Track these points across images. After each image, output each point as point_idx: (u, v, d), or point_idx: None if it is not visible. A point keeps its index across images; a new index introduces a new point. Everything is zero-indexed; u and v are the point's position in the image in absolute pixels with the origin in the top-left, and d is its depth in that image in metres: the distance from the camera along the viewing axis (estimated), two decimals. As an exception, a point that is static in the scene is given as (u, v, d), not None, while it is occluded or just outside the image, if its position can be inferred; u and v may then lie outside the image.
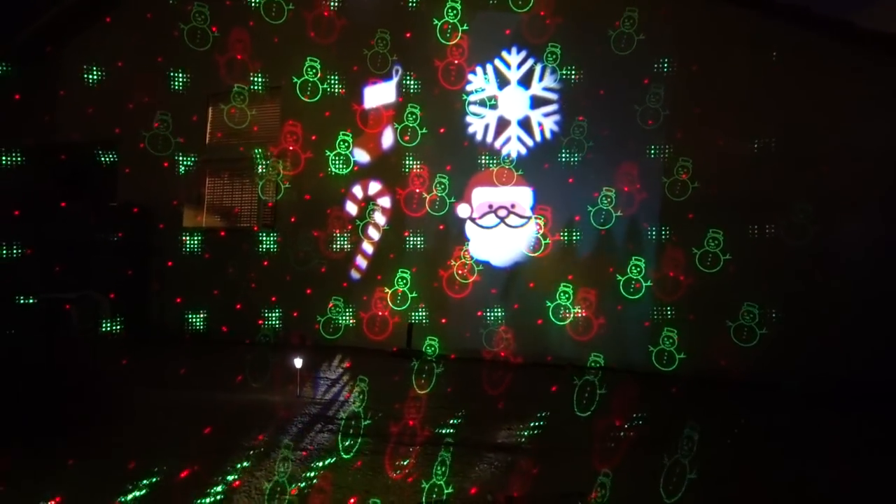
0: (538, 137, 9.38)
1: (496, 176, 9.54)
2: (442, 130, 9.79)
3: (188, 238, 10.66)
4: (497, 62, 9.60)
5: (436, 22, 9.50)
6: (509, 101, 9.56)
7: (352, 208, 10.28)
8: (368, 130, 10.11)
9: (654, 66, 8.61)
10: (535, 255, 9.28)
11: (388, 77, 9.95)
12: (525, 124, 9.47)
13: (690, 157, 8.36)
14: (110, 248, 10.43)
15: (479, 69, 9.67)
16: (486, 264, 9.62)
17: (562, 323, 8.98)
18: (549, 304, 9.06)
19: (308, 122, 10.29)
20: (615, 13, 8.65)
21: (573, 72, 9.18)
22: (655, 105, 8.60)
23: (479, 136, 9.66)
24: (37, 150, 9.88)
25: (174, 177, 10.74)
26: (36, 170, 9.77)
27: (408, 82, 9.88)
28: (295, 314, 10.01)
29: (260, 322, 9.82)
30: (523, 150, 9.44)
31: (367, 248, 10.23)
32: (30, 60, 11.12)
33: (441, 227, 9.77)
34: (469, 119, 9.68)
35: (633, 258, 8.68)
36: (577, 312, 8.93)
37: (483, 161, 9.55)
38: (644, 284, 8.62)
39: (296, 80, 9.84)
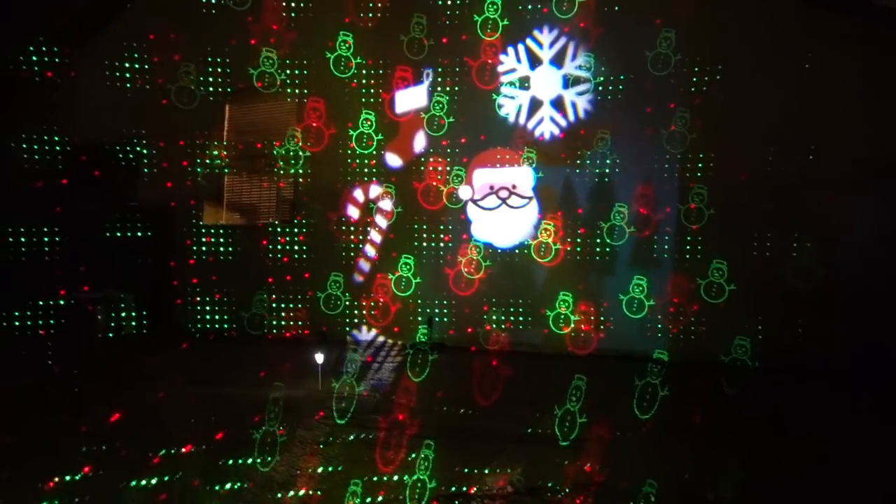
0: (571, 117, 9.26)
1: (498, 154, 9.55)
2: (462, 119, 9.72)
3: (210, 235, 10.76)
4: (529, 42, 9.45)
5: (476, 18, 9.44)
6: (542, 80, 9.42)
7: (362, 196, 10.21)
8: (394, 118, 9.98)
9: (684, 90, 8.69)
10: (533, 241, 9.30)
11: (419, 81, 9.81)
12: (558, 104, 9.36)
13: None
14: (132, 247, 10.50)
15: (510, 49, 9.50)
16: (489, 245, 9.60)
17: (562, 333, 9.09)
18: (549, 312, 9.14)
19: (333, 100, 10.15)
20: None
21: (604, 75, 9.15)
22: (682, 129, 8.63)
23: (511, 118, 9.52)
24: (58, 149, 10.02)
25: (194, 174, 10.83)
26: (57, 169, 9.95)
27: (439, 79, 9.78)
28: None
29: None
30: (556, 130, 9.32)
31: (376, 237, 10.18)
32: (51, 58, 11.21)
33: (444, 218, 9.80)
34: (501, 101, 9.52)
35: (636, 277, 8.76)
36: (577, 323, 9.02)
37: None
38: (647, 304, 8.72)
39: (329, 55, 9.82)
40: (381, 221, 10.10)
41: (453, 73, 9.71)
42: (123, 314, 10.00)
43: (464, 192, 9.71)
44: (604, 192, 9.08)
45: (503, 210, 9.59)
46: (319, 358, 7.00)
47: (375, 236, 10.15)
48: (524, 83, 9.48)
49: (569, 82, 9.27)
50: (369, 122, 9.97)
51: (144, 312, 10.20)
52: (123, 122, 10.73)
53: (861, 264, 7.89)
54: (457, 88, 9.71)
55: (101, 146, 10.83)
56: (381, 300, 9.89)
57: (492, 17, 9.39)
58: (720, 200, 8.46)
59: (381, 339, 9.93)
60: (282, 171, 10.58)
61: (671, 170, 8.79)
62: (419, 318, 9.81)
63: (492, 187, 9.63)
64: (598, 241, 9.09)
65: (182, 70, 9.84)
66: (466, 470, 4.26)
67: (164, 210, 10.89)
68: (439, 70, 9.74)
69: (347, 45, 9.81)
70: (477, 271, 9.55)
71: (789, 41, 8.24)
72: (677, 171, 8.77)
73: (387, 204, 10.03)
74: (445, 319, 9.75)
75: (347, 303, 10.03)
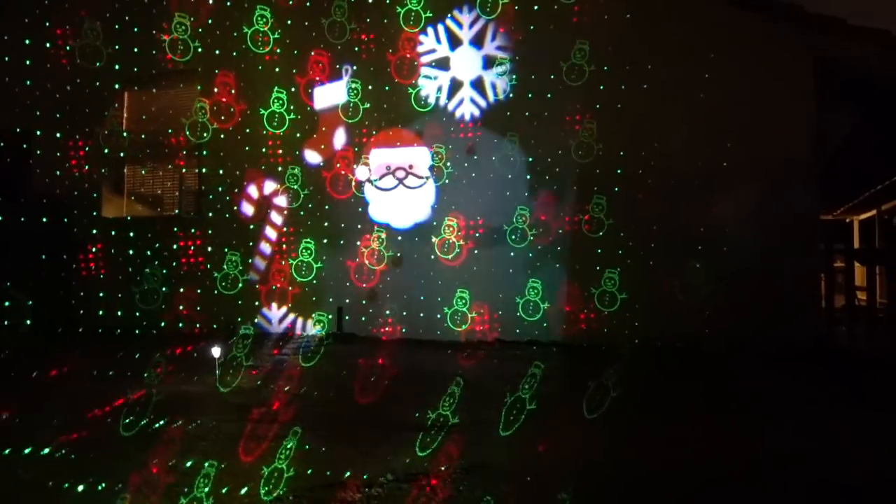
0: (491, 98, 9.22)
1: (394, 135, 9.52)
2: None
3: (110, 229, 10.35)
4: (449, 22, 9.39)
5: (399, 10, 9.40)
6: (462, 61, 9.35)
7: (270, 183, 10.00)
8: (309, 103, 9.82)
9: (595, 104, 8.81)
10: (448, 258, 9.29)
11: (337, 77, 9.68)
12: (478, 84, 9.31)
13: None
14: (26, 243, 10.00)
15: (430, 30, 9.44)
16: (387, 226, 9.56)
17: (457, 329, 9.17)
18: (446, 310, 9.19)
19: (244, 77, 9.95)
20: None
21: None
22: (588, 139, 8.78)
23: (431, 99, 9.43)
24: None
25: (92, 166, 10.39)
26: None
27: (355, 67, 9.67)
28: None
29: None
30: (476, 112, 9.27)
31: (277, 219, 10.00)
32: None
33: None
34: (422, 82, 9.43)
35: (531, 280, 8.91)
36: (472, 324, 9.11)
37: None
38: (542, 306, 8.89)
39: (246, 29, 9.66)
40: (277, 218, 9.92)
41: (372, 68, 9.64)
42: (16, 312, 9.54)
43: (360, 173, 9.60)
44: (509, 194, 9.14)
45: (400, 190, 9.53)
46: (216, 352, 6.83)
47: (272, 232, 9.97)
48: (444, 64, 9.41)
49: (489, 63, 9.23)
50: (280, 101, 9.74)
51: (40, 310, 9.76)
52: (16, 106, 10.26)
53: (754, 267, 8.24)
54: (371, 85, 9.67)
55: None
56: (278, 286, 9.77)
57: (415, 8, 9.36)
58: (619, 211, 8.70)
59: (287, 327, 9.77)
60: (190, 143, 10.19)
61: (577, 179, 8.91)
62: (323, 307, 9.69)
63: (388, 167, 9.55)
64: (500, 242, 9.15)
65: (87, 27, 9.49)
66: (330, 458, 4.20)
67: (62, 202, 10.42)
68: (354, 68, 9.65)
69: (265, 19, 9.61)
70: (378, 262, 9.51)
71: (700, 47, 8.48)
72: (579, 181, 8.91)
73: (283, 201, 9.85)
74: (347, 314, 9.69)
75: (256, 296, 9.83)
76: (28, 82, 10.29)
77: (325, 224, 9.74)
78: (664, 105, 8.51)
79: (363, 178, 9.62)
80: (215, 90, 9.93)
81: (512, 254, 9.05)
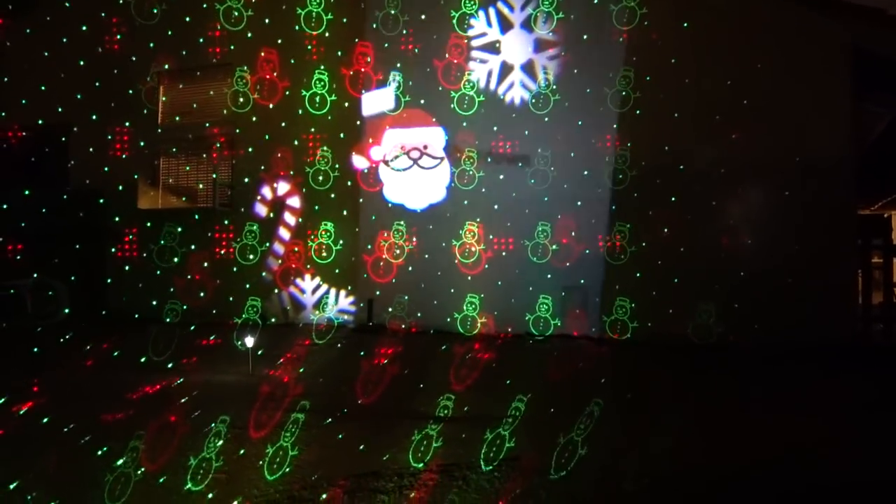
0: (542, 82, 8.99)
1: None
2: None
3: (146, 220, 10.54)
4: (500, 4, 9.15)
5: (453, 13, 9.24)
6: (512, 45, 9.11)
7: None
8: (355, 94, 9.69)
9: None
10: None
11: (385, 84, 9.53)
12: (528, 68, 9.08)
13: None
14: (65, 234, 10.22)
15: (481, 13, 9.20)
16: (401, 207, 9.50)
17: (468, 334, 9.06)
18: (456, 315, 9.12)
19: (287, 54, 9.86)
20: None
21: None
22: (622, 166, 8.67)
23: (482, 83, 9.23)
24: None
25: (127, 159, 10.58)
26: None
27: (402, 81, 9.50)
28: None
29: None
30: (526, 96, 9.04)
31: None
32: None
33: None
34: (471, 66, 9.21)
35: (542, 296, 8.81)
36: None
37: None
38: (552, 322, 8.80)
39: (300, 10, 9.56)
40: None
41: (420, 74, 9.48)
42: (54, 301, 9.77)
43: (375, 154, 9.55)
44: (535, 208, 9.00)
45: (415, 171, 9.42)
46: (249, 342, 6.90)
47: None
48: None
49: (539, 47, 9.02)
50: (322, 83, 9.67)
51: (78, 299, 9.97)
52: (55, 101, 10.45)
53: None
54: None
55: (32, 130, 10.54)
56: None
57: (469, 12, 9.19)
58: (642, 239, 8.60)
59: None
60: (225, 131, 10.30)
61: (604, 202, 8.76)
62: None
63: (402, 148, 9.48)
64: (520, 254, 9.03)
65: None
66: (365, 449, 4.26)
67: (98, 195, 10.63)
68: (401, 77, 9.53)
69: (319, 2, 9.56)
70: (396, 258, 9.47)
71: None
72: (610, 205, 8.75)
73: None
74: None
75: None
76: (66, 77, 10.47)
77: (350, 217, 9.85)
78: (698, 100, 8.39)
79: (378, 159, 9.53)
80: (259, 66, 9.85)
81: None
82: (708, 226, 8.45)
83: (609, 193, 8.73)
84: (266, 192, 10.16)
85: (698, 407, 5.42)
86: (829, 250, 7.98)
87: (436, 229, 9.37)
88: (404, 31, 9.43)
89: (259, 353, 6.95)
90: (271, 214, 10.12)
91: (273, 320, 9.86)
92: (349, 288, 9.78)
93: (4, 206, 9.08)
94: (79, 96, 10.15)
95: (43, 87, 10.13)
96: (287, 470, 3.90)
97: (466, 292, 9.17)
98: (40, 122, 10.36)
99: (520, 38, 9.07)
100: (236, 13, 9.55)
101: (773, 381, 6.56)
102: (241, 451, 4.18)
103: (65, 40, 10.39)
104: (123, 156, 10.45)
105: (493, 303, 9.10)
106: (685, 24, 8.51)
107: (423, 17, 9.42)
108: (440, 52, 9.29)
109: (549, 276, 8.89)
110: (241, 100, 9.86)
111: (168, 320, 9.05)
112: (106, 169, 10.48)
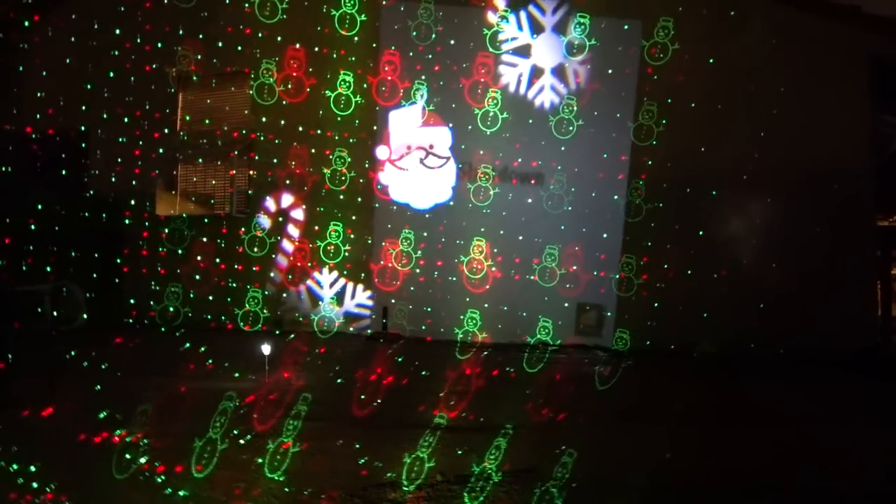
0: (573, 86, 8.92)
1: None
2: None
3: (163, 226, 10.61)
4: (531, 8, 9.00)
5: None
6: (543, 48, 8.99)
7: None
8: (383, 103, 9.49)
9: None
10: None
11: (412, 101, 9.33)
12: (559, 72, 8.98)
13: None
14: (84, 239, 10.31)
15: (512, 17, 9.02)
16: (406, 206, 9.39)
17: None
18: (456, 330, 9.06)
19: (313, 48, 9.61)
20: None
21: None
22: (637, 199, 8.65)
23: (511, 87, 9.08)
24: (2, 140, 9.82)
25: (146, 165, 10.67)
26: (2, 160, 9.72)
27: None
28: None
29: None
30: (556, 99, 8.94)
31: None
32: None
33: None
34: (501, 70, 9.08)
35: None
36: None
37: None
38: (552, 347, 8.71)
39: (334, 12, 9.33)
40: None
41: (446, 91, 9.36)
42: (73, 306, 9.83)
43: (380, 153, 9.42)
44: (546, 229, 8.96)
45: (420, 171, 9.29)
46: (266, 349, 6.91)
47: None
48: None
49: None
50: (347, 83, 9.44)
51: (94, 304, 10.03)
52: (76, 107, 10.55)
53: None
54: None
55: (51, 134, 10.64)
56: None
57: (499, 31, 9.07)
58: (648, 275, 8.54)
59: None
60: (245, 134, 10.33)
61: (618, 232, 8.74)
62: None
63: (409, 147, 9.42)
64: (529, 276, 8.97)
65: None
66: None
67: (116, 200, 10.73)
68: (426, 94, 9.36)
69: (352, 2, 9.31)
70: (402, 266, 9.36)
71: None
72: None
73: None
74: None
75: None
76: (88, 85, 10.57)
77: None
78: (719, 109, 8.38)
79: (382, 158, 9.41)
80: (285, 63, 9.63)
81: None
82: (728, 246, 8.43)
83: (622, 224, 8.73)
84: (285, 199, 10.19)
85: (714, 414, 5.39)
86: (849, 262, 7.92)
87: (447, 241, 9.33)
88: (432, 43, 9.28)
89: (274, 360, 6.96)
90: (281, 222, 10.12)
91: (289, 327, 9.88)
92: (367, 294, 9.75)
93: (22, 211, 9.18)
94: (105, 94, 10.14)
95: (61, 97, 10.23)
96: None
97: (479, 303, 9.13)
98: (58, 127, 10.48)
99: (550, 42, 8.97)
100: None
101: (794, 391, 6.52)
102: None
103: (93, 43, 10.43)
104: (140, 162, 10.53)
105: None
106: (710, 60, 8.45)
107: (453, 36, 9.26)
108: (468, 68, 9.16)
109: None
110: (266, 93, 9.71)
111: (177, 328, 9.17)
112: (122, 175, 10.57)
